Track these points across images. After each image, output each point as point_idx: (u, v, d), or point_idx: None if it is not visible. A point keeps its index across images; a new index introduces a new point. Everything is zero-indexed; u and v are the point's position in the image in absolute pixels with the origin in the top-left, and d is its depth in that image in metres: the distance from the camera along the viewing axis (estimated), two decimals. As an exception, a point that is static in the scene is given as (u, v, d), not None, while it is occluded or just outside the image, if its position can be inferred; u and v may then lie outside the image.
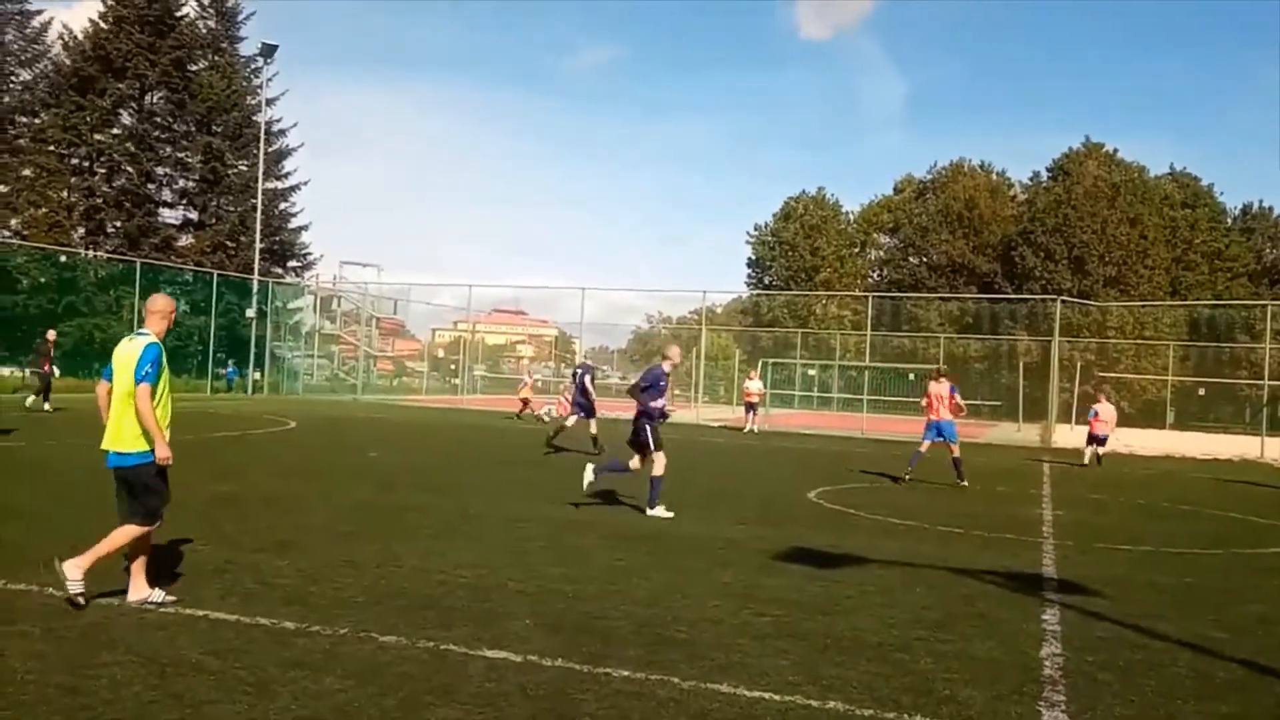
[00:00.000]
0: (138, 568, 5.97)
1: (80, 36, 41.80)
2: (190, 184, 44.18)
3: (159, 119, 43.20)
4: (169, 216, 44.47)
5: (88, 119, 40.87)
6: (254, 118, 42.65)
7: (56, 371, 21.71)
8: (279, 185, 45.62)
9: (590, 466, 10.88)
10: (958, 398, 15.78)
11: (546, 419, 24.98)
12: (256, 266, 38.30)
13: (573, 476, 14.47)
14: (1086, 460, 21.40)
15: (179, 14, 43.17)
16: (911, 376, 38.86)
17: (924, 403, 16.16)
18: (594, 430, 18.11)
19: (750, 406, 28.70)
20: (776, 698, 4.74)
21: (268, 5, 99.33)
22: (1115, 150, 58.16)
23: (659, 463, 10.70)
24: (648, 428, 10.80)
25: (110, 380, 5.93)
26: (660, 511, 10.48)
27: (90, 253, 40.41)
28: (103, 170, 42.54)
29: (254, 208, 40.01)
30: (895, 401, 39.71)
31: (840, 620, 6.30)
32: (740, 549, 8.75)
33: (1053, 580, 8.04)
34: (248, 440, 17.76)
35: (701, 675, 5.01)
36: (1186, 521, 12.74)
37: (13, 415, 19.05)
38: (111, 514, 6.08)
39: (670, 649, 5.45)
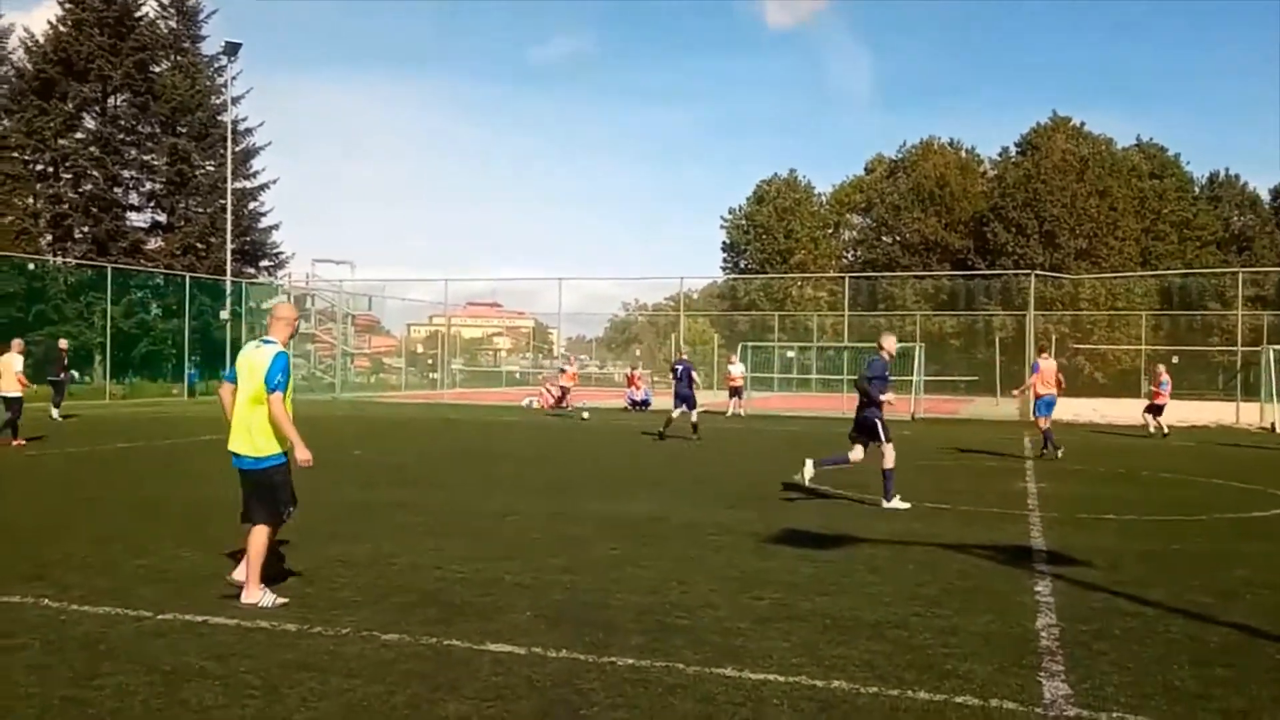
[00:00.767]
0: (246, 568, 6.09)
1: (40, 40, 41.16)
2: (158, 186, 43.67)
3: (123, 121, 42.64)
4: (137, 220, 43.95)
5: (51, 124, 40.27)
6: (219, 117, 42.17)
7: (75, 375, 21.37)
8: (248, 184, 45.18)
9: (810, 461, 10.94)
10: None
11: (581, 416, 24.62)
12: (229, 267, 37.94)
13: (556, 468, 14.52)
14: (1152, 430, 21.90)
15: (138, 15, 42.56)
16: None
17: (1033, 379, 17.13)
18: (694, 419, 19.49)
19: (734, 390, 28.79)
20: (781, 679, 4.78)
21: (230, 3, 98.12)
22: (1083, 124, 58.66)
23: (889, 455, 10.69)
24: (879, 420, 10.79)
25: (233, 382, 6.15)
26: (897, 503, 10.42)
27: (59, 259, 39.88)
28: (68, 175, 41.96)
29: (223, 208, 39.58)
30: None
31: (837, 600, 6.35)
32: (732, 533, 8.80)
33: (1042, 552, 8.14)
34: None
35: (705, 660, 5.04)
36: (1168, 489, 12.91)
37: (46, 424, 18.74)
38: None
39: (672, 635, 5.49)
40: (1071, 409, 31.32)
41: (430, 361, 46.22)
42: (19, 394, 16.44)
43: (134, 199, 43.95)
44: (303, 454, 6.04)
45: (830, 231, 65.67)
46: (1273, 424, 24.95)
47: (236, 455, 6.14)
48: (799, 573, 7.18)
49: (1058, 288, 47.79)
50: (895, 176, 63.49)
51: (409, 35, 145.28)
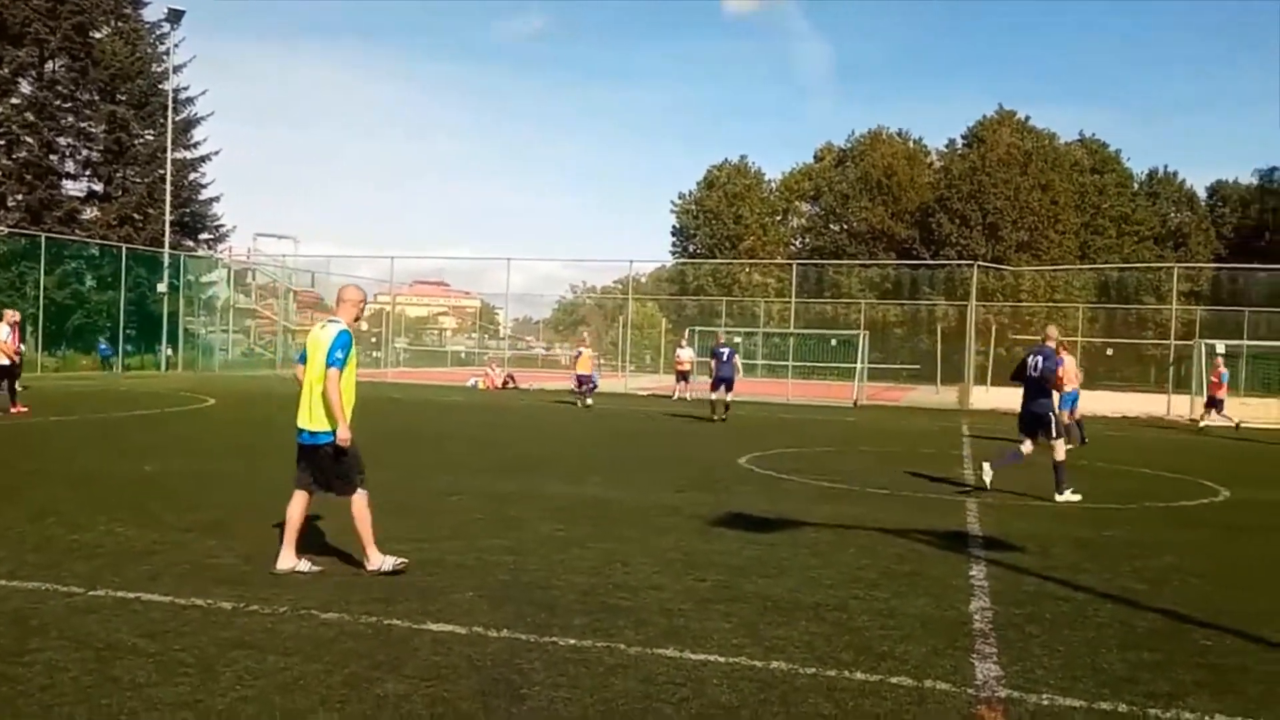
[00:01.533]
0: (290, 538, 6.31)
1: (-28, 0, 39.67)
2: (95, 155, 42.40)
3: (60, 87, 41.28)
4: (73, 189, 42.61)
5: (-17, 87, 38.90)
6: (160, 85, 41.11)
7: (22, 348, 20.59)
8: (188, 155, 44.03)
9: (987, 464, 10.99)
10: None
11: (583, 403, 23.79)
12: (167, 239, 37.09)
13: (503, 449, 14.46)
14: (1221, 423, 21.91)
15: (77, -24, 41.22)
16: (834, 342, 39.45)
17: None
18: (728, 399, 20.64)
19: (682, 375, 28.89)
20: (722, 660, 4.82)
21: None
22: (1028, 118, 59.66)
23: (1060, 449, 10.84)
24: (1053, 413, 10.87)
25: (304, 363, 6.42)
26: (1069, 496, 10.49)
27: (-11, 227, 38.64)
28: (1, 142, 40.60)
29: (162, 178, 38.64)
30: (819, 367, 40.29)
31: (778, 582, 6.42)
32: (677, 515, 8.85)
33: (978, 537, 8.31)
34: (166, 419, 17.27)
35: (647, 641, 5.07)
36: (1101, 478, 13.22)
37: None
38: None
39: (615, 616, 5.51)
40: (1009, 398, 32.00)
41: (374, 340, 45.61)
42: (7, 362, 16.79)
43: (70, 167, 42.63)
44: (343, 433, 6.22)
45: (779, 218, 66.06)
46: (1201, 416, 25.66)
47: (301, 430, 6.35)
48: (742, 555, 7.25)
49: (999, 279, 48.63)
50: (844, 165, 64.01)
51: (360, 7, 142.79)
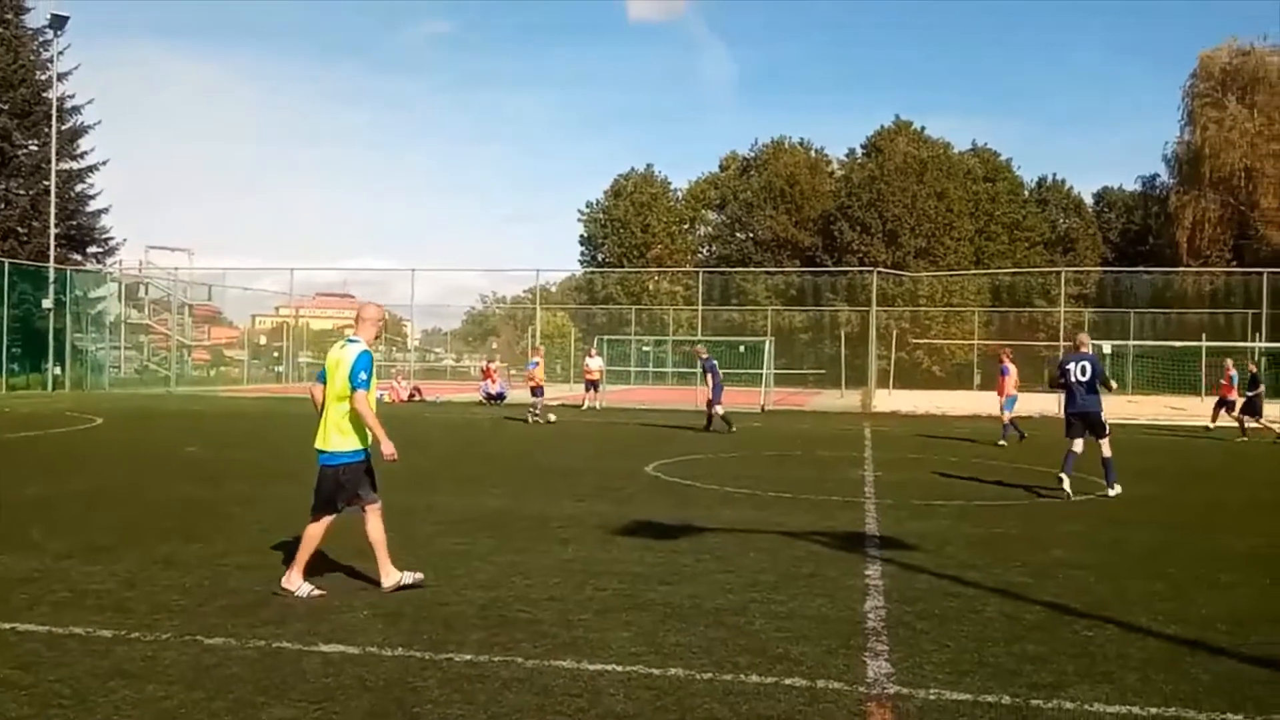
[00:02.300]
0: (300, 559, 6.21)
1: None
2: (-27, 166, 40.46)
3: (-66, 94, 39.32)
4: (-51, 201, 40.63)
5: None
6: (44, 94, 39.44)
7: None
8: (75, 165, 42.31)
9: (1064, 477, 11.25)
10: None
11: (543, 418, 22.71)
12: (52, 253, 35.57)
13: (404, 463, 14.20)
14: (1245, 427, 21.55)
15: (-48, -20, 39.33)
16: (741, 348, 39.93)
17: (1003, 380, 20.07)
18: (721, 411, 20.78)
19: (591, 384, 28.86)
20: (619, 669, 4.82)
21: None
22: (923, 128, 61.28)
23: (1108, 446, 11.52)
24: (1102, 413, 11.59)
25: (323, 382, 6.33)
26: (1118, 489, 11.23)
27: None
28: None
29: (47, 190, 37.05)
30: (727, 373, 40.65)
31: (680, 589, 6.45)
32: (581, 525, 8.82)
33: (875, 538, 8.48)
34: (50, 440, 16.54)
35: (544, 653, 5.04)
36: (993, 476, 13.64)
37: None
38: None
39: (513, 629, 5.46)
40: (910, 400, 32.81)
41: (276, 354, 44.46)
42: None
43: (-54, 178, 40.61)
44: (388, 448, 6.22)
45: (686, 227, 66.58)
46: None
47: (320, 452, 6.35)
48: (644, 563, 7.26)
49: (899, 285, 49.88)
50: (748, 174, 64.86)
51: (258, 12, 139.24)
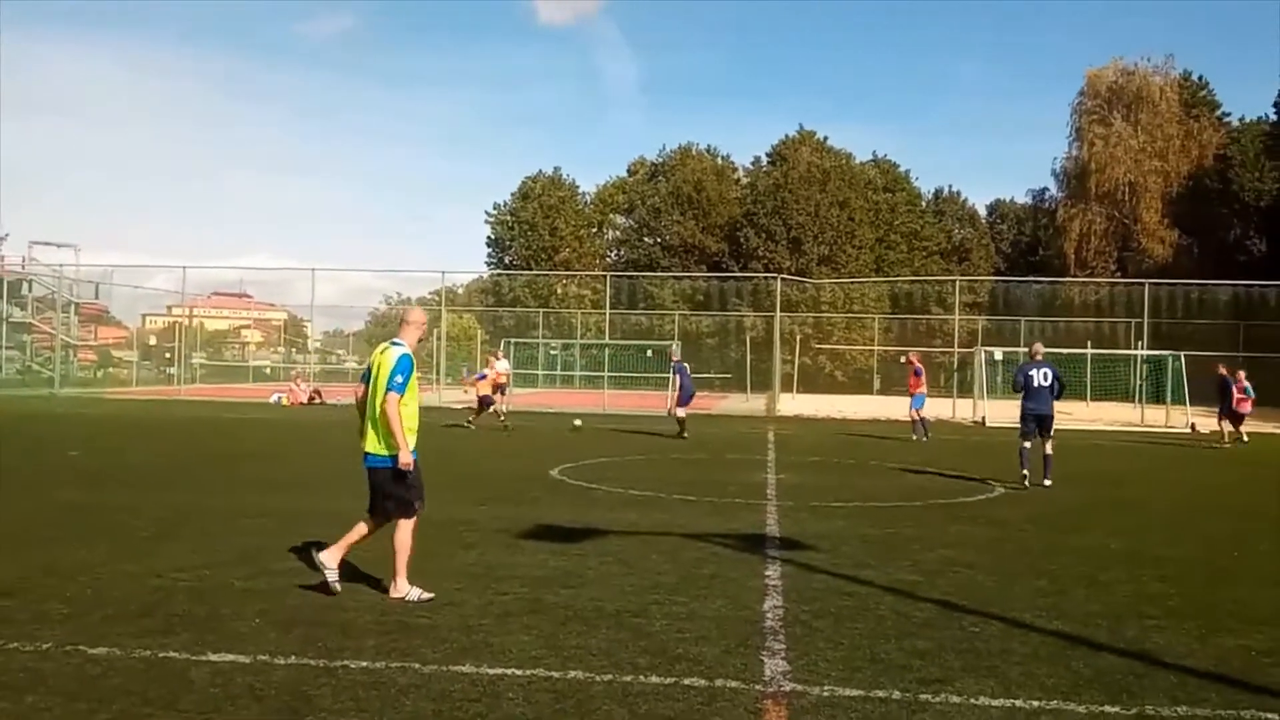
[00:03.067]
0: (345, 539, 6.34)
1: None
2: None
3: None
4: None
5: None
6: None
7: None
8: (-50, 156, 40.29)
9: (1047, 481, 12.63)
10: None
11: (500, 418, 21.81)
12: (-75, 248, 33.74)
13: (303, 467, 13.90)
14: (1239, 437, 21.85)
15: None
16: (649, 353, 40.12)
17: (914, 381, 21.38)
18: (682, 415, 20.28)
19: (498, 387, 28.57)
20: (519, 672, 4.80)
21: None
22: (826, 138, 62.52)
23: (1051, 444, 12.94)
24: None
25: (367, 384, 6.35)
26: (1050, 482, 12.60)
27: None
28: None
29: (-80, 180, 35.16)
30: (635, 377, 40.89)
31: (581, 592, 6.46)
32: (483, 529, 8.75)
33: (775, 539, 8.63)
34: (-79, 444, 15.68)
35: (443, 658, 4.99)
36: (890, 478, 14.02)
37: None
38: None
39: (411, 635, 5.39)
40: (813, 404, 33.44)
41: (168, 355, 42.93)
42: None
43: None
44: (404, 457, 6.18)
45: (594, 230, 66.63)
46: (983, 418, 27.63)
47: (366, 454, 6.32)
48: (547, 566, 7.25)
49: (802, 291, 50.76)
50: (656, 179, 65.25)
51: (157, 1, 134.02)
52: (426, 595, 6.21)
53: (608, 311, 40.47)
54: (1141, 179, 53.06)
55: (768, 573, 7.20)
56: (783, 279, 38.14)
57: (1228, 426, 21.90)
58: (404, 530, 6.31)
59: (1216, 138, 53.72)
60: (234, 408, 28.46)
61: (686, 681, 4.72)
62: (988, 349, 31.69)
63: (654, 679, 4.76)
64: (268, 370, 52.27)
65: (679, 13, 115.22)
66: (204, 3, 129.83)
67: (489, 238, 65.75)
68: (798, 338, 45.65)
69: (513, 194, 64.97)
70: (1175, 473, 16.27)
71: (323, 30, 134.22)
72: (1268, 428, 25.78)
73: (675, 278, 55.62)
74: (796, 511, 10.29)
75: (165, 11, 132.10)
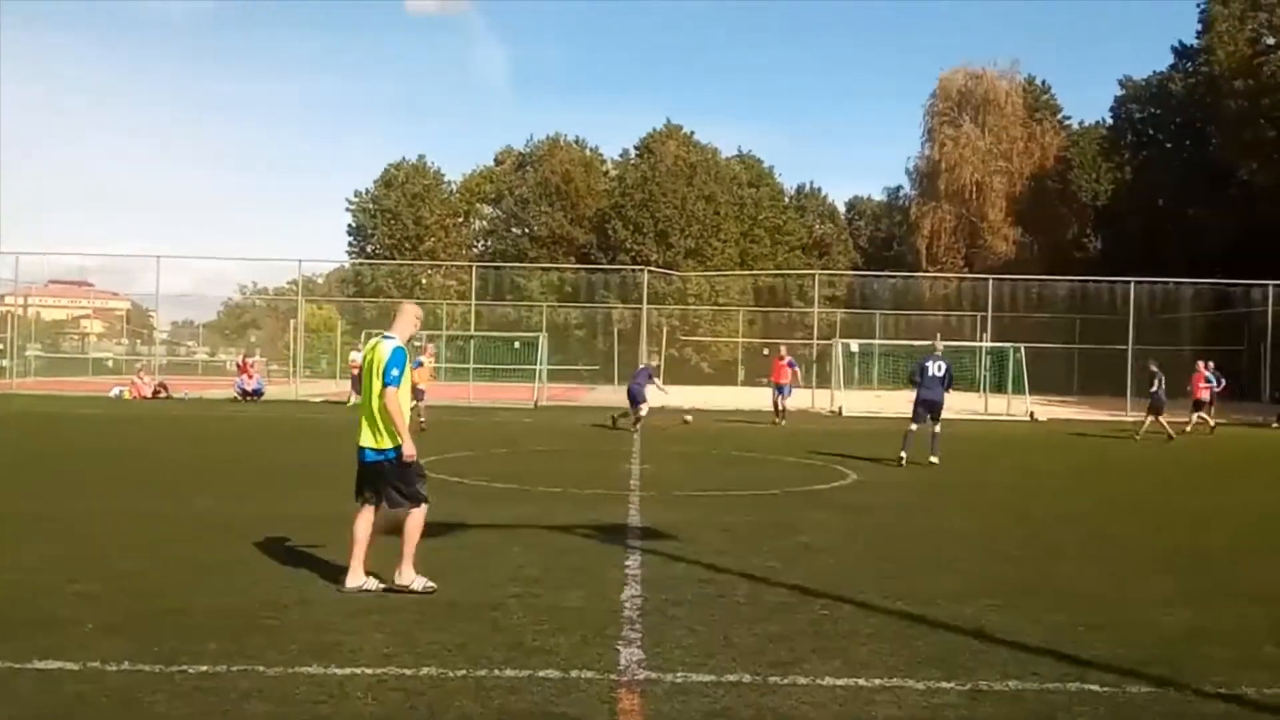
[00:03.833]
0: (358, 553, 6.27)
1: None
2: None
3: None
4: None
5: None
6: None
7: None
8: None
9: (904, 454, 14.06)
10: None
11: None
12: None
13: (151, 464, 13.24)
14: (1198, 428, 21.77)
15: None
16: (516, 344, 39.83)
17: (779, 371, 23.59)
18: (641, 415, 19.70)
19: (357, 379, 27.87)
20: (370, 671, 4.69)
21: None
22: (693, 133, 63.29)
23: (940, 426, 14.44)
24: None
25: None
26: (937, 460, 13.84)
27: None
28: None
29: None
30: (502, 369, 40.52)
31: (440, 586, 6.35)
32: (340, 526, 8.49)
33: (637, 529, 8.69)
34: None
35: (289, 660, 4.83)
36: (751, 467, 14.32)
37: None
38: None
39: (256, 636, 5.20)
40: (680, 396, 33.83)
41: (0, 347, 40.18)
42: None
43: None
44: (409, 449, 6.19)
45: (460, 220, 65.69)
46: (840, 408, 28.49)
47: (361, 449, 6.30)
48: (403, 562, 7.09)
49: (669, 284, 51.31)
50: (524, 170, 64.79)
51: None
52: (430, 585, 6.19)
53: (474, 302, 39.99)
54: (988, 179, 55.75)
55: (628, 562, 7.25)
56: (650, 272, 38.46)
57: (1164, 419, 20.59)
58: (415, 518, 6.30)
59: (1058, 141, 56.97)
60: (72, 402, 26.88)
61: (542, 673, 4.72)
62: (845, 341, 32.70)
63: (509, 672, 4.73)
64: (109, 363, 49.55)
65: (547, 5, 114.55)
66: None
67: (350, 226, 64.06)
68: (665, 330, 46.09)
69: (375, 181, 63.43)
70: (1015, 458, 17.17)
71: (176, 9, 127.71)
72: (1100, 414, 27.51)
73: (543, 269, 55.40)
74: (659, 501, 10.40)
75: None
